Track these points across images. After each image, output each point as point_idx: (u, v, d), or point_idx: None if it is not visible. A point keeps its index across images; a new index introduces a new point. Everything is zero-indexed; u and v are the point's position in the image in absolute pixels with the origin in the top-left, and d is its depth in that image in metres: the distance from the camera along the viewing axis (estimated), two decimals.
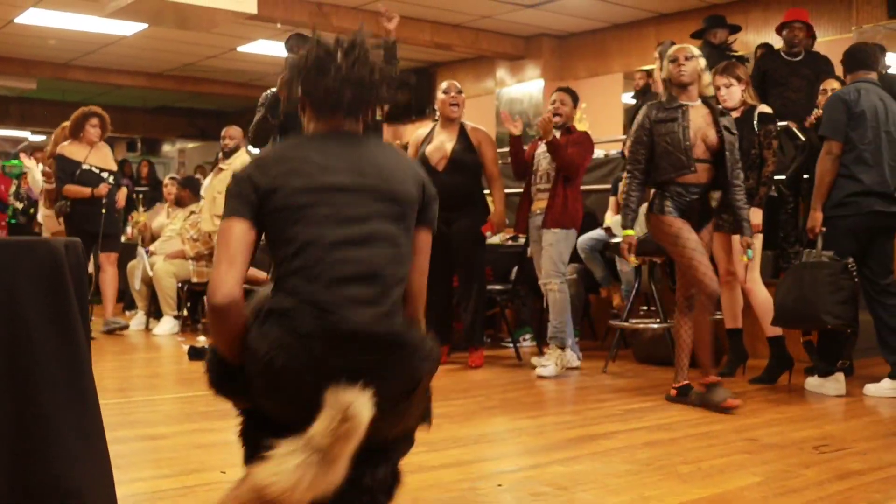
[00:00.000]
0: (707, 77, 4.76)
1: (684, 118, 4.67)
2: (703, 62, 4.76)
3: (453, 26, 10.85)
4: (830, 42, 8.48)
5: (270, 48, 11.93)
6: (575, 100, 6.22)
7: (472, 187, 6.09)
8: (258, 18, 8.86)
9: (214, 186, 8.06)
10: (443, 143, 6.04)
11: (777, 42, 7.68)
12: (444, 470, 3.34)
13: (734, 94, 5.51)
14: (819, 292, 4.95)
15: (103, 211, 7.64)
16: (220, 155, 8.71)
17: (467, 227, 5.97)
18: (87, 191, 7.58)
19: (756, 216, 5.40)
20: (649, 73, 9.53)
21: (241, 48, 11.98)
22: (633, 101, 9.95)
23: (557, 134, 6.04)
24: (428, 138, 6.16)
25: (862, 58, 5.39)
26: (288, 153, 2.35)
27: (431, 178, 6.29)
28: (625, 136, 8.49)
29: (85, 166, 7.69)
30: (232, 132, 8.17)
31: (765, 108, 5.56)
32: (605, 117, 10.31)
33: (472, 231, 6.06)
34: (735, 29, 8.06)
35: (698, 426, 4.26)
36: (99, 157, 7.83)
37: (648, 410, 4.67)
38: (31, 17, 10.39)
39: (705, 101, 4.77)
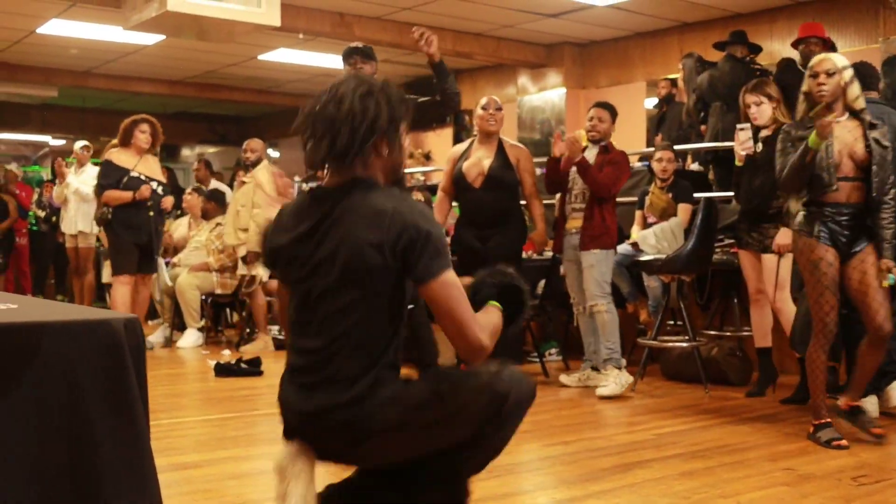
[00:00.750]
0: (855, 89, 4.39)
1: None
2: (848, 74, 4.38)
3: (475, 35, 10.81)
4: (856, 52, 8.39)
5: (292, 56, 11.93)
6: (614, 115, 6.16)
7: (508, 204, 5.98)
8: (280, 29, 8.84)
9: (238, 200, 8.08)
10: (480, 159, 5.96)
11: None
12: None
13: (764, 112, 5.45)
14: None
15: (150, 214, 7.29)
16: (241, 167, 8.72)
17: (502, 244, 5.86)
18: (128, 195, 7.18)
19: (785, 236, 5.35)
20: (673, 82, 9.49)
21: (262, 56, 11.97)
22: (657, 110, 9.93)
23: (594, 152, 5.99)
24: (466, 154, 6.07)
25: (869, 79, 5.31)
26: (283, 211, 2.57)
27: (467, 195, 6.22)
28: (650, 148, 8.46)
29: (133, 174, 7.29)
30: (253, 145, 8.16)
31: None
32: (629, 126, 10.23)
33: (508, 248, 5.90)
34: (755, 49, 8.00)
35: (733, 453, 4.22)
36: (147, 166, 7.44)
37: (681, 434, 4.63)
38: (53, 28, 10.41)
39: (854, 114, 4.42)
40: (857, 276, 4.36)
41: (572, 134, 5.95)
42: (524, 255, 6.66)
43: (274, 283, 8.21)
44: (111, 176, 7.26)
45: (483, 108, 6.04)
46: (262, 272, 7.92)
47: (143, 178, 7.32)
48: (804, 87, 4.48)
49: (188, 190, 9.66)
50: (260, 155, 8.05)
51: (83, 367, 1.38)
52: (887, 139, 4.37)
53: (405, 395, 2.36)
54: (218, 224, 8.77)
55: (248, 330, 8.35)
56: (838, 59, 4.41)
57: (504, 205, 5.93)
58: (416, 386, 2.41)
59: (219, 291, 8.43)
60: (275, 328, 8.23)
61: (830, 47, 7.22)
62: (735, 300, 6.73)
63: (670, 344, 6.32)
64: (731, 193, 6.94)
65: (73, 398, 1.37)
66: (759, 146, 5.44)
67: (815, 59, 4.48)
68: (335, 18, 9.65)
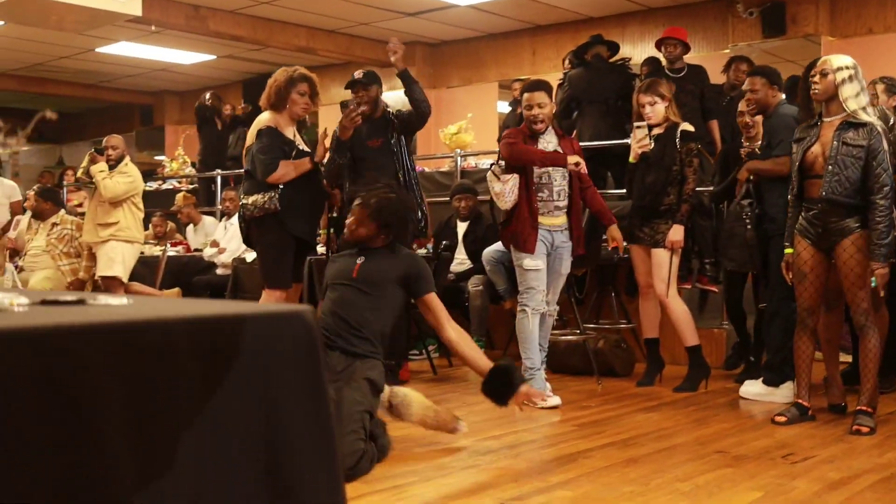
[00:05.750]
0: (847, 89, 4.47)
1: (815, 136, 4.57)
2: (842, 74, 4.48)
3: (328, 32, 10.69)
4: (704, 57, 8.82)
5: (132, 50, 11.44)
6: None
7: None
8: (134, 20, 8.46)
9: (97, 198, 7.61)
10: None
11: (655, 53, 7.96)
12: None
13: (658, 111, 5.66)
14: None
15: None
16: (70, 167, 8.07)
17: None
18: (305, 164, 5.40)
19: (677, 232, 5.57)
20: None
21: (101, 49, 11.42)
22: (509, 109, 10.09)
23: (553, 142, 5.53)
24: None
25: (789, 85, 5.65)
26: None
27: None
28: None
29: (301, 147, 5.54)
30: (114, 142, 7.70)
31: (687, 127, 5.70)
32: (481, 126, 10.37)
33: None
34: (613, 47, 8.29)
35: (660, 440, 4.34)
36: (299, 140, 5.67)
37: (600, 424, 4.73)
38: None
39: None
40: (838, 267, 4.59)
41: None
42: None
43: (136, 286, 7.82)
44: (276, 149, 5.40)
45: None
46: (121, 271, 7.47)
47: (306, 150, 5.61)
48: (805, 87, 4.69)
49: (28, 193, 9.05)
50: (122, 151, 7.62)
51: (284, 363, 1.27)
52: (871, 141, 4.42)
53: None
54: (54, 224, 8.23)
55: None
56: (836, 60, 4.56)
57: None
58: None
59: (71, 279, 7.96)
60: None
61: (688, 48, 7.60)
62: (613, 293, 6.93)
63: (562, 337, 6.44)
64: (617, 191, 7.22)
65: (273, 399, 1.26)
66: (652, 144, 5.64)
67: (819, 60, 4.65)
68: (190, 11, 9.33)
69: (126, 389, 1.07)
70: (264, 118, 5.50)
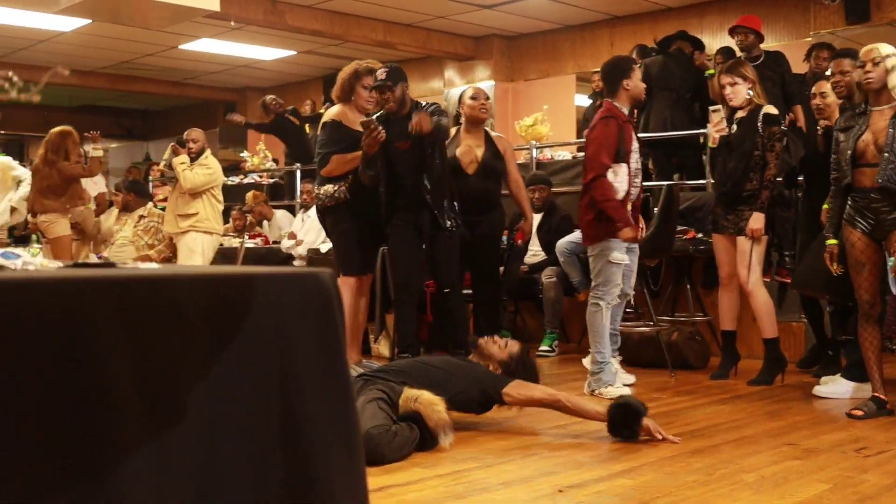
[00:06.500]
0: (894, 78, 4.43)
1: (864, 124, 4.49)
2: (891, 61, 4.42)
3: (405, 25, 10.73)
4: (784, 46, 8.60)
5: (213, 46, 11.64)
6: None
7: (497, 193, 6.14)
8: (213, 16, 8.60)
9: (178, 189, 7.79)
10: (471, 147, 6.02)
11: (732, 43, 7.81)
12: None
13: (739, 92, 5.47)
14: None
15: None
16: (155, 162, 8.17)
17: (488, 232, 6.00)
18: (357, 157, 5.40)
19: (756, 220, 5.43)
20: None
21: (183, 46, 11.65)
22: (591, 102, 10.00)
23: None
24: (455, 141, 6.09)
25: None
26: None
27: (460, 181, 6.21)
28: (580, 139, 8.55)
29: None
30: (195, 135, 7.87)
31: (770, 109, 5.48)
32: (559, 119, 10.31)
33: (495, 236, 6.13)
34: (698, 44, 8.19)
35: (730, 431, 4.25)
36: None
37: (670, 416, 4.63)
38: None
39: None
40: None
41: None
42: (518, 243, 6.76)
43: None
44: (332, 143, 5.55)
45: (473, 97, 6.12)
46: (199, 262, 7.65)
47: None
48: (855, 77, 4.61)
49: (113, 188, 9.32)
50: (202, 144, 7.77)
51: (293, 318, 1.27)
52: None
53: None
54: (141, 217, 8.47)
55: None
56: (883, 48, 4.47)
57: (493, 193, 6.11)
58: None
59: (152, 255, 8.14)
60: None
61: (762, 37, 7.44)
62: (688, 286, 6.81)
63: (636, 329, 6.36)
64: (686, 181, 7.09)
65: (286, 358, 1.26)
66: (734, 127, 5.49)
67: (863, 49, 4.55)
68: (268, 6, 9.45)
69: (134, 341, 1.08)
70: (332, 111, 5.68)
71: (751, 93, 5.48)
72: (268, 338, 1.23)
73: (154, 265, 1.44)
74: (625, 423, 4.01)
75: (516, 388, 4.14)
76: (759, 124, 5.41)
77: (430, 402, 3.88)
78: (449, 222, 5.45)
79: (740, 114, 5.49)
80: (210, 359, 1.17)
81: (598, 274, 5.33)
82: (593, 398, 5.04)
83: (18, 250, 1.94)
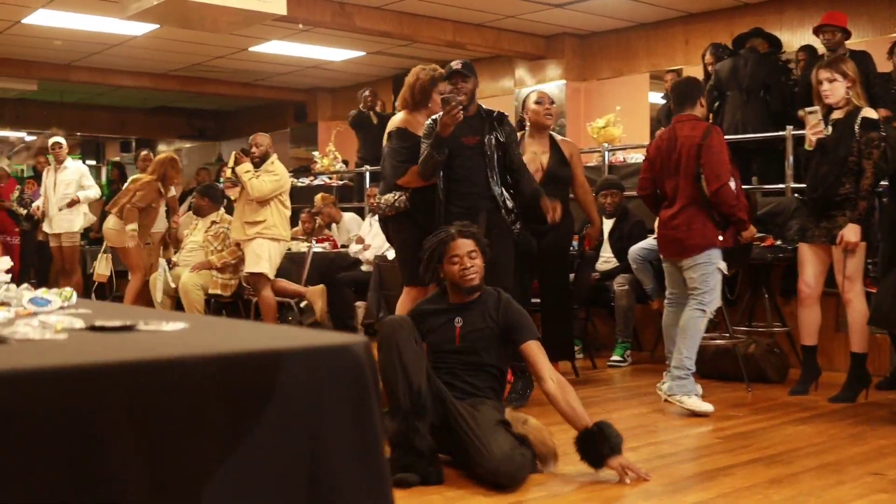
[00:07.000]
0: None
1: None
2: None
3: (475, 25, 10.58)
4: (869, 42, 8.27)
5: (283, 48, 11.64)
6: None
7: (564, 200, 5.80)
8: (282, 19, 8.56)
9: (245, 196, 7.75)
10: (536, 154, 5.79)
11: (814, 41, 7.52)
12: None
13: (837, 90, 5.15)
14: None
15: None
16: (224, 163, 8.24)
17: (559, 240, 5.77)
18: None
19: (852, 232, 5.10)
20: (679, 74, 9.32)
21: (253, 48, 11.66)
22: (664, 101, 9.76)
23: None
24: (519, 147, 5.88)
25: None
26: None
27: None
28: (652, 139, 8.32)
29: None
30: (259, 139, 7.81)
31: (870, 113, 5.14)
32: (633, 119, 10.07)
33: (563, 245, 5.89)
34: (774, 41, 7.91)
35: (810, 457, 4.04)
36: None
37: (746, 437, 4.44)
38: (39, 18, 10.03)
39: None
40: None
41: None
42: (587, 250, 6.60)
43: (282, 283, 7.95)
44: (404, 152, 5.37)
45: (537, 102, 5.85)
46: (267, 268, 7.60)
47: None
48: None
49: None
50: (266, 149, 7.71)
51: (327, 405, 1.15)
52: None
53: None
54: (213, 223, 8.46)
55: None
56: None
57: (561, 201, 5.76)
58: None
59: (217, 292, 8.12)
60: None
61: (849, 34, 7.14)
62: (766, 296, 6.56)
63: (712, 342, 6.13)
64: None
65: (317, 443, 1.14)
66: (830, 129, 5.21)
67: None
68: (336, 8, 9.37)
69: (145, 435, 0.97)
70: (397, 119, 5.49)
71: (850, 92, 5.17)
72: (296, 417, 1.12)
73: (179, 324, 1.32)
74: (595, 450, 3.69)
75: (534, 350, 3.94)
76: (857, 129, 5.09)
77: (539, 428, 3.84)
78: (509, 217, 5.23)
79: (837, 114, 5.18)
80: (230, 443, 1.06)
81: (704, 282, 5.21)
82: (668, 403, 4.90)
83: (52, 294, 1.85)
